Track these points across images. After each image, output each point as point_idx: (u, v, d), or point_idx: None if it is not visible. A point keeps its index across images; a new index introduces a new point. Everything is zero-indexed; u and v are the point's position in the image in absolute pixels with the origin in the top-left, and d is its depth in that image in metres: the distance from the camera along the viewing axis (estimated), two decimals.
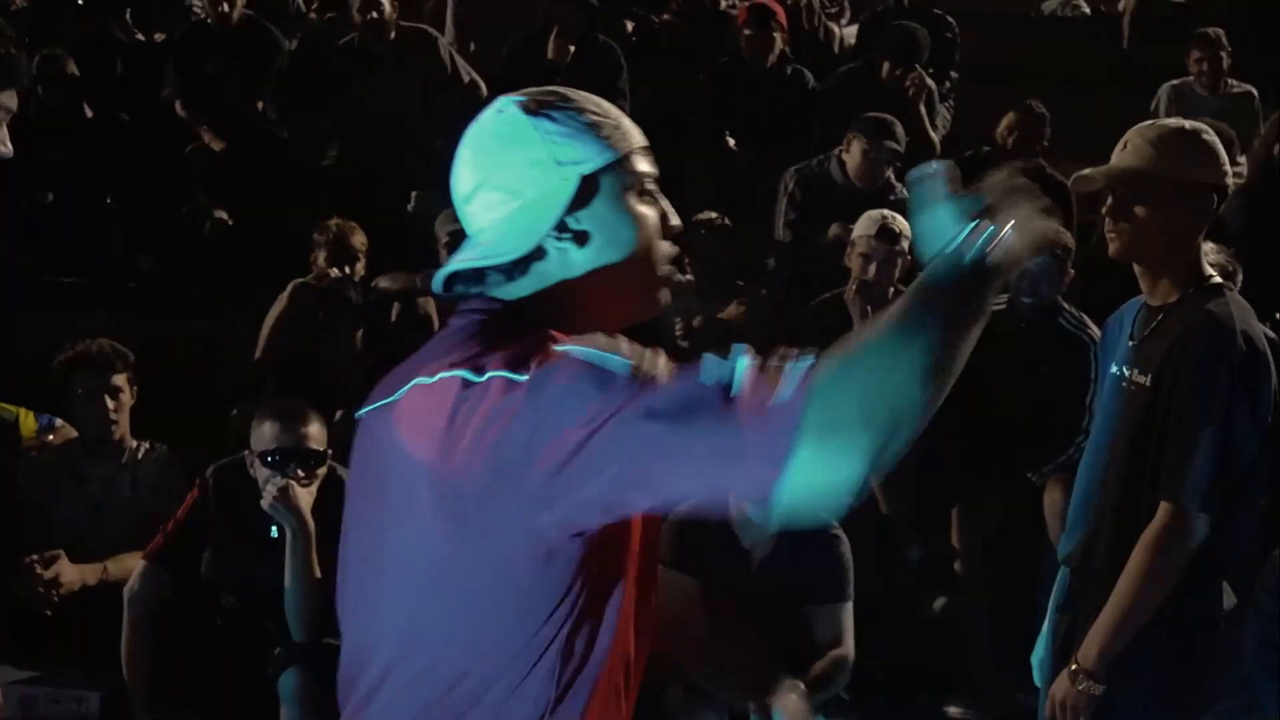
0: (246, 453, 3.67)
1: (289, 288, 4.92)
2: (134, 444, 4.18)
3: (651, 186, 1.65)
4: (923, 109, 6.25)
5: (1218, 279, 2.71)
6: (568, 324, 1.58)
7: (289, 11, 7.47)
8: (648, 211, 1.63)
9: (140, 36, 7.00)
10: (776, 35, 6.29)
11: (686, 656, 3.20)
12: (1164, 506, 2.60)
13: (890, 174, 5.57)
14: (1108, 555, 2.71)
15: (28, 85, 2.23)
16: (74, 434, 4.25)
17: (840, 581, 3.76)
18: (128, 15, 7.08)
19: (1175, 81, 6.93)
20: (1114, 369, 2.78)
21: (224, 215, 5.92)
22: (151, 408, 4.30)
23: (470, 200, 1.64)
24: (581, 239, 1.59)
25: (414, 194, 6.01)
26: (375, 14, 6.12)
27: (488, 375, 1.47)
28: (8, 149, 2.21)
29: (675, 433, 1.38)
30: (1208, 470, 2.57)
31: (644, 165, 1.64)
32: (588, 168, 1.59)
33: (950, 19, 7.17)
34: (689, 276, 5.32)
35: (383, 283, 5.07)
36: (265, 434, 3.60)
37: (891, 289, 4.87)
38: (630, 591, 1.59)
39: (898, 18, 6.75)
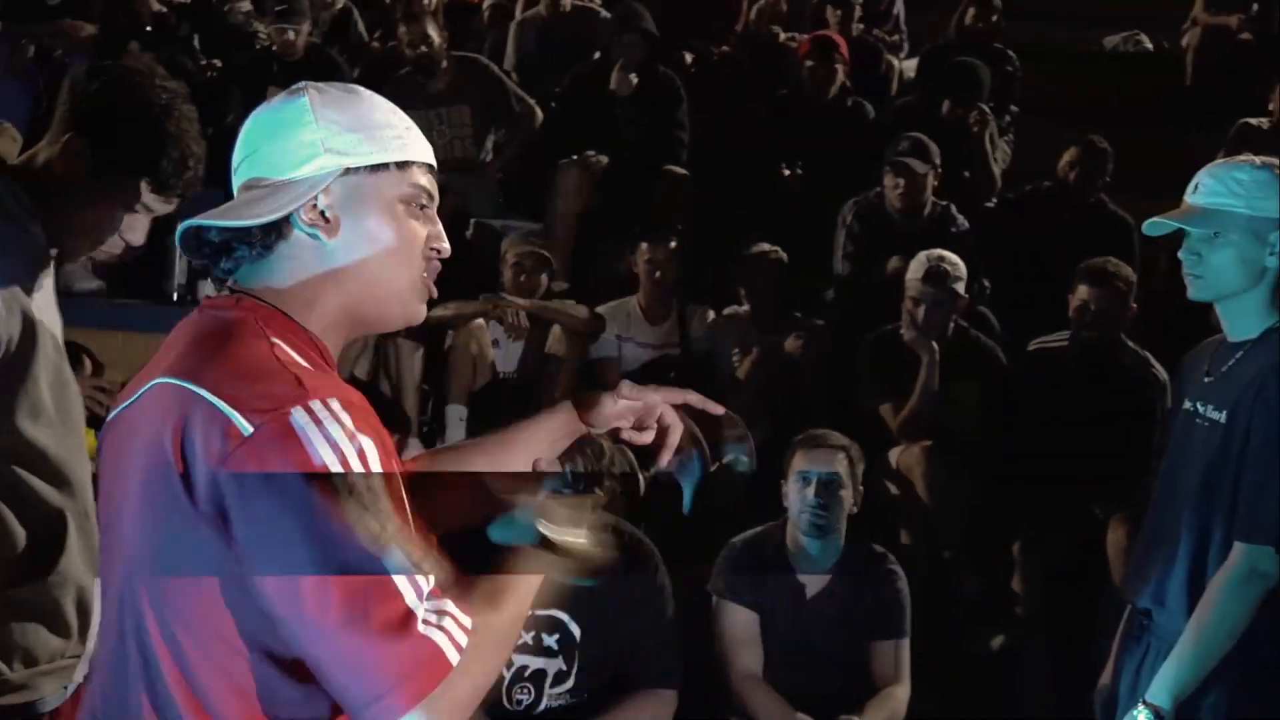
0: None
1: None
2: None
3: (425, 203, 1.65)
4: (987, 144, 6.24)
5: None
6: (313, 321, 1.60)
7: (351, 39, 7.54)
8: (413, 225, 1.64)
9: (214, 63, 7.07)
10: (839, 67, 6.29)
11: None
12: (1238, 546, 2.57)
13: (952, 206, 5.56)
14: (1180, 595, 2.68)
15: (186, 195, 2.28)
16: None
17: (898, 617, 3.72)
18: (195, 42, 7.17)
19: (1250, 119, 6.85)
20: (1187, 404, 2.76)
21: None
22: None
23: (237, 170, 1.66)
24: (333, 229, 1.60)
25: (472, 221, 6.04)
26: (425, 48, 6.15)
27: (218, 404, 1.47)
28: (138, 239, 2.28)
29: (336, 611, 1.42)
30: None
31: (421, 180, 1.65)
32: (354, 161, 1.60)
33: (1011, 53, 7.14)
34: (745, 307, 5.31)
35: (437, 311, 5.10)
36: None
37: (951, 325, 4.85)
38: None
39: (957, 51, 6.72)
